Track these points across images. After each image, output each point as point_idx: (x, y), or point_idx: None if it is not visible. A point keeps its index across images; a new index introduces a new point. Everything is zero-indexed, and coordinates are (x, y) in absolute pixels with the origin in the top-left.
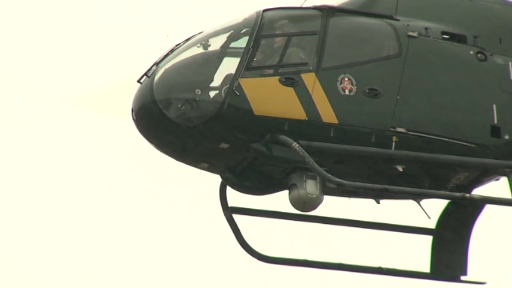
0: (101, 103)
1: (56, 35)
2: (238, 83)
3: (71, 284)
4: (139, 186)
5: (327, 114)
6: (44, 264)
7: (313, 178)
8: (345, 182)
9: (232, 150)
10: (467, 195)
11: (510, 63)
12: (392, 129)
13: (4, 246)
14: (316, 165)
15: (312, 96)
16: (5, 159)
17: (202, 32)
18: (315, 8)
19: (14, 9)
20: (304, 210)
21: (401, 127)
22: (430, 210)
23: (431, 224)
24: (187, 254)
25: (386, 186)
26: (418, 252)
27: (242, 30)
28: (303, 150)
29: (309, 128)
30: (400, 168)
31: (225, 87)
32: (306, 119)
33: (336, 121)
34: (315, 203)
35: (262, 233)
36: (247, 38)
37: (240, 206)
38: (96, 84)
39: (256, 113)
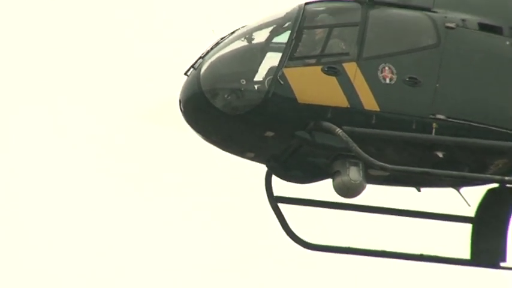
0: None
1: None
2: (282, 73)
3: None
4: (187, 177)
5: (369, 102)
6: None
7: (356, 165)
8: (388, 165)
9: (277, 138)
10: (507, 178)
11: None
12: (432, 116)
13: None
14: (359, 150)
15: (354, 85)
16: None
17: (245, 26)
18: (355, 0)
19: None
20: (347, 196)
21: (441, 114)
22: (469, 198)
23: (471, 212)
24: (233, 242)
25: (427, 170)
26: (458, 240)
27: (285, 24)
28: (347, 136)
29: (351, 116)
30: (440, 155)
31: (268, 78)
32: (348, 106)
33: (377, 108)
34: (358, 189)
35: (307, 221)
36: (289, 31)
37: (285, 196)
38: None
39: (299, 101)
